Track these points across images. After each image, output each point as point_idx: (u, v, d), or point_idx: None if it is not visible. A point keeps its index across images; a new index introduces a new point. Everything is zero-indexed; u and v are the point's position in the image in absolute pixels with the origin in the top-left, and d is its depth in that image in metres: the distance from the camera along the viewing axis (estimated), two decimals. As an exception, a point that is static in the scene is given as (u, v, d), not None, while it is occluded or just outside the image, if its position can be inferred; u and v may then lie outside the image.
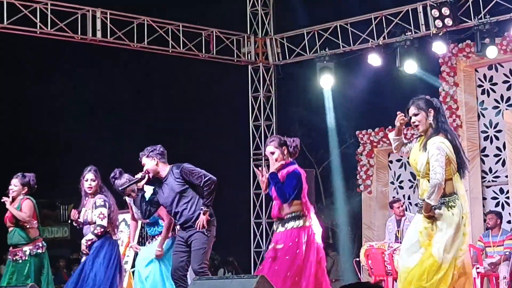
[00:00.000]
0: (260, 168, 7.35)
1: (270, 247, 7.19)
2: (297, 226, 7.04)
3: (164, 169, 7.78)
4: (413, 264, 6.22)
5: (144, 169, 7.76)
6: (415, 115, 6.33)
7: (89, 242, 8.10)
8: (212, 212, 7.68)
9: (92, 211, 8.13)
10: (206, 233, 7.58)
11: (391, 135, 6.61)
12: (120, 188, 8.12)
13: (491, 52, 12.15)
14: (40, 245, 8.57)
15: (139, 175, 7.74)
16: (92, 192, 8.21)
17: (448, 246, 6.19)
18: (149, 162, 7.76)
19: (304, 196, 7.15)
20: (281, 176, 7.16)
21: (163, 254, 8.52)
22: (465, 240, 6.28)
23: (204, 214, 7.53)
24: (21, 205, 8.55)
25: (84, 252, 8.16)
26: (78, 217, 8.24)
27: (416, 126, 6.36)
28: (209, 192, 7.58)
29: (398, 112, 6.45)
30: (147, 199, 7.82)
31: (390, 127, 13.06)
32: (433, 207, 6.20)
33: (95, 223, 8.09)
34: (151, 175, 7.75)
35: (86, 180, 8.22)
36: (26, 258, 8.45)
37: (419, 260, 6.20)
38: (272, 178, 7.11)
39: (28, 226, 8.56)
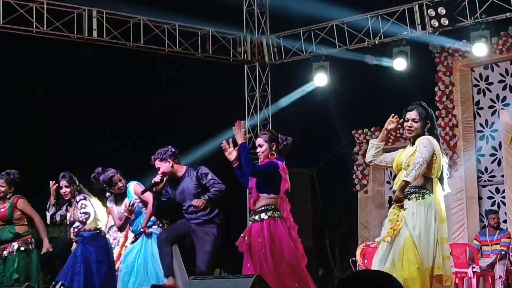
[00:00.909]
0: (226, 141, 7.24)
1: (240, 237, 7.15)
2: (264, 218, 6.98)
3: (180, 169, 7.86)
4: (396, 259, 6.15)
5: (160, 172, 7.78)
6: (414, 121, 6.27)
7: (75, 229, 8.24)
8: (221, 218, 7.81)
9: (77, 210, 8.21)
10: (213, 236, 7.68)
11: (374, 141, 6.49)
12: (140, 193, 8.12)
13: (479, 50, 12.16)
14: (29, 241, 8.58)
15: (156, 179, 7.75)
16: (69, 198, 8.31)
17: (422, 236, 6.08)
18: (164, 165, 7.81)
19: (282, 192, 7.10)
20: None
21: (151, 234, 8.35)
22: (444, 247, 6.18)
23: (205, 200, 7.59)
24: (13, 204, 8.53)
25: (74, 239, 8.34)
26: (55, 197, 8.33)
27: (410, 132, 6.30)
28: (214, 194, 7.68)
29: (392, 114, 6.39)
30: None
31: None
32: (405, 193, 6.14)
33: (80, 215, 8.20)
34: (167, 177, 7.78)
35: (61, 188, 8.31)
36: (15, 253, 8.45)
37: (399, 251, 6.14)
38: (242, 149, 7.04)
39: (19, 223, 8.57)
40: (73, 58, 15.99)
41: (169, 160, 7.81)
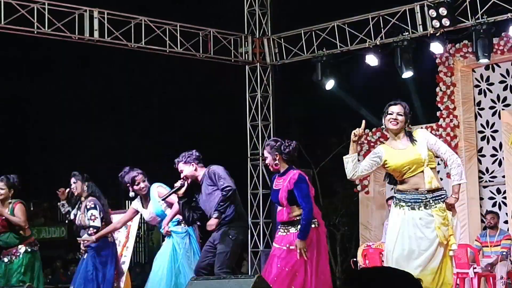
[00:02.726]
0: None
1: (277, 246, 7.17)
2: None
3: (201, 173, 7.77)
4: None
5: (182, 176, 7.71)
6: (399, 114, 6.42)
7: (86, 243, 8.25)
8: (242, 217, 7.78)
9: (85, 215, 8.24)
10: (231, 236, 7.55)
11: (347, 156, 6.48)
12: (160, 198, 8.09)
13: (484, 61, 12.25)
14: (33, 244, 8.61)
15: (178, 183, 7.69)
16: (77, 194, 8.33)
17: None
18: (188, 168, 7.73)
19: (312, 198, 7.19)
20: (283, 190, 7.15)
21: (170, 233, 8.31)
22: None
23: (215, 218, 7.50)
24: (13, 209, 8.54)
25: (82, 251, 8.35)
26: (66, 198, 8.38)
27: (395, 123, 6.41)
28: (224, 198, 7.56)
29: (353, 132, 6.42)
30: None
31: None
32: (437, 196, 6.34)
33: (88, 226, 8.23)
34: (189, 181, 7.70)
35: (71, 185, 8.41)
36: (21, 255, 8.47)
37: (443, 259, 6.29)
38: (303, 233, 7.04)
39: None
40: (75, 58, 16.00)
41: (193, 163, 7.73)
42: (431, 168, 6.32)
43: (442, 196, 6.33)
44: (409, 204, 6.32)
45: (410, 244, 6.27)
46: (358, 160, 6.56)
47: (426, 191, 6.28)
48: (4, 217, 8.47)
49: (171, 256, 8.20)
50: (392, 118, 6.41)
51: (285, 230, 7.19)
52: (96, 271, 8.20)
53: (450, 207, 6.29)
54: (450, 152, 6.42)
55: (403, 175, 6.36)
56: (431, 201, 6.28)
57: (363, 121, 6.47)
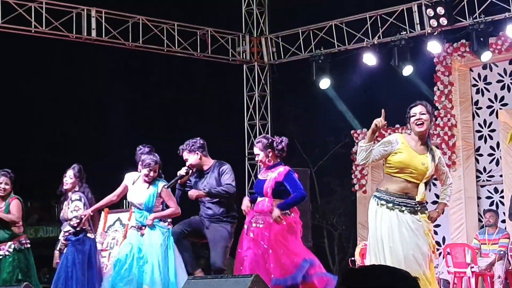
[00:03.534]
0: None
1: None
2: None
3: (207, 162, 7.94)
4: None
5: (187, 164, 7.87)
6: (422, 113, 6.33)
7: (66, 234, 8.17)
8: (233, 213, 7.95)
9: (68, 207, 8.18)
10: (228, 230, 7.80)
11: (363, 144, 6.37)
12: (166, 186, 8.05)
13: (486, 56, 12.22)
14: (24, 241, 8.56)
15: (182, 171, 7.84)
16: (67, 188, 8.25)
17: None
18: (192, 157, 7.89)
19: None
20: (270, 181, 7.37)
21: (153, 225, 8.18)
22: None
23: (203, 193, 7.70)
24: (9, 204, 8.51)
25: (64, 244, 8.21)
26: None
27: (421, 124, 6.31)
28: (218, 192, 7.76)
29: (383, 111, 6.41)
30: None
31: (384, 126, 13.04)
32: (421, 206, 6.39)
33: (71, 218, 8.14)
34: (194, 169, 7.88)
35: (65, 177, 8.28)
36: (11, 253, 8.43)
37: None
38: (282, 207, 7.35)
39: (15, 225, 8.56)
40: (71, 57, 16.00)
41: (197, 152, 7.89)
42: (425, 183, 6.31)
43: (425, 205, 6.39)
44: (397, 207, 6.32)
45: (406, 250, 6.27)
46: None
47: (416, 201, 6.29)
48: None
49: (162, 247, 8.10)
50: (417, 119, 6.30)
51: (263, 221, 7.30)
52: (74, 268, 8.06)
53: (431, 220, 6.34)
54: (450, 177, 6.58)
55: (401, 173, 6.32)
56: (419, 207, 6.30)
57: (383, 110, 6.38)
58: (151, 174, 8.00)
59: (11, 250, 8.43)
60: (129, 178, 8.20)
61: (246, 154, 14.72)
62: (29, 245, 8.57)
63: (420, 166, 6.27)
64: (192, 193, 7.71)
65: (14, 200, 8.52)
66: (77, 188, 8.27)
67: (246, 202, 7.58)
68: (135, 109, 17.84)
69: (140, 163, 8.20)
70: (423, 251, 6.23)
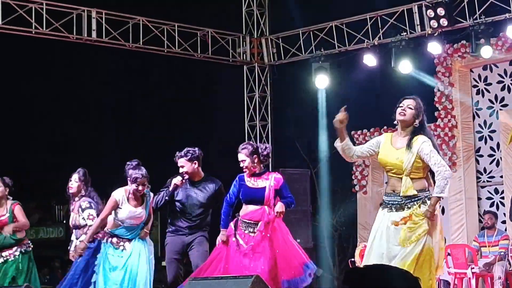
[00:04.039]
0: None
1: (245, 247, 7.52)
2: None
3: (199, 174, 8.09)
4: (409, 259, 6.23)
5: (183, 171, 7.97)
6: (409, 107, 6.40)
7: (80, 250, 8.01)
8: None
9: (79, 215, 8.16)
10: (207, 237, 8.05)
11: (337, 143, 6.50)
12: (166, 198, 8.07)
13: (486, 52, 12.16)
14: (27, 245, 8.58)
15: (178, 181, 7.93)
16: (72, 192, 8.24)
17: (433, 235, 6.29)
18: (189, 166, 8.00)
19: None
20: (270, 189, 7.51)
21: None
22: (442, 243, 6.46)
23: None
24: (12, 210, 8.52)
25: (81, 254, 8.06)
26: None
27: (403, 114, 6.39)
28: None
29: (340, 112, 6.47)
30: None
31: (385, 127, 13.07)
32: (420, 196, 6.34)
33: (84, 226, 8.11)
34: (187, 178, 7.99)
35: (70, 180, 8.27)
36: (17, 256, 8.44)
37: (413, 255, 6.23)
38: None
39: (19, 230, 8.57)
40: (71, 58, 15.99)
41: (195, 161, 8.00)
42: (413, 178, 6.27)
43: (420, 198, 6.29)
44: (388, 205, 6.36)
45: (386, 248, 6.30)
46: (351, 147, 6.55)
47: (401, 196, 6.29)
48: (3, 218, 8.45)
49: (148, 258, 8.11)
50: (401, 109, 6.41)
51: (255, 231, 7.40)
52: (83, 276, 7.95)
53: (427, 217, 6.25)
54: (440, 164, 6.24)
55: (387, 171, 6.43)
56: (407, 204, 6.29)
57: (343, 107, 6.47)
58: (140, 188, 7.92)
59: (17, 254, 8.46)
60: (118, 196, 8.04)
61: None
62: (31, 248, 8.61)
63: (395, 161, 6.32)
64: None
65: (17, 206, 8.55)
66: (83, 192, 8.26)
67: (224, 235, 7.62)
68: (135, 110, 17.82)
69: (128, 179, 8.17)
70: (394, 253, 6.23)
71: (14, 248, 8.48)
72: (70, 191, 8.30)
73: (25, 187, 10.54)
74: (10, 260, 8.46)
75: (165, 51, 13.79)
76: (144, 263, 7.90)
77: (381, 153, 6.46)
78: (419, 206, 6.24)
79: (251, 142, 7.85)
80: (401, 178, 6.29)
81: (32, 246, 8.66)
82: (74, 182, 8.26)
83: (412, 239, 6.20)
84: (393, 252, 6.24)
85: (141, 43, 13.41)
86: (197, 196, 8.03)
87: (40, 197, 20.13)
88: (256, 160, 7.54)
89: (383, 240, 6.31)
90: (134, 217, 7.93)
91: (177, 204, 8.08)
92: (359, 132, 14.46)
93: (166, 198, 8.05)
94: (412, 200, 6.27)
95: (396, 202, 6.31)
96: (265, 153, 7.56)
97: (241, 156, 7.58)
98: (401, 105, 6.44)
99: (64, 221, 22.79)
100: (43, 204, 22.13)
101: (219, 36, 14.43)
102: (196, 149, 8.08)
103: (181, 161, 7.98)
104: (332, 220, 17.90)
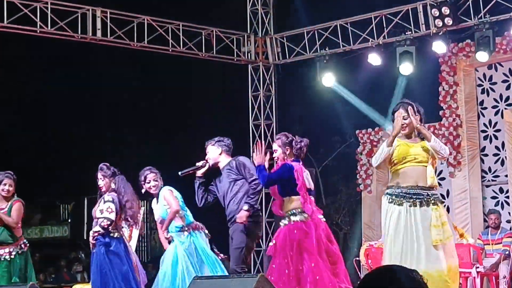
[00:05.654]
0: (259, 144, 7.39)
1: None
2: (294, 221, 7.08)
3: (224, 161, 7.98)
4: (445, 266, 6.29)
5: (206, 157, 7.95)
6: (404, 118, 6.54)
7: (95, 234, 8.10)
8: (257, 213, 7.88)
9: (98, 206, 8.16)
10: (244, 231, 7.66)
11: (385, 146, 6.55)
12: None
13: (482, 56, 12.16)
14: (23, 245, 8.58)
15: (200, 163, 7.89)
16: (104, 190, 8.22)
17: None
18: (213, 151, 7.98)
19: (301, 189, 7.12)
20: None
21: (172, 239, 8.24)
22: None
23: (245, 210, 7.63)
24: (12, 206, 8.52)
25: (92, 243, 8.13)
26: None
27: (405, 127, 6.56)
28: (253, 192, 7.74)
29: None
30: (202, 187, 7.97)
31: (389, 126, 13.05)
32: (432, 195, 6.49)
33: (101, 217, 8.09)
34: (211, 163, 7.93)
35: (97, 180, 8.26)
36: (13, 256, 8.44)
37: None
38: (258, 170, 7.25)
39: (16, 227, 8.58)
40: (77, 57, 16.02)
41: (220, 147, 7.97)
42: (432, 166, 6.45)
43: (436, 195, 6.45)
44: (411, 199, 6.34)
45: (406, 244, 6.29)
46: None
47: (427, 188, 6.34)
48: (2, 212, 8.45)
49: (174, 263, 8.12)
50: (403, 122, 6.57)
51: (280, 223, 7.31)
52: (109, 265, 8.00)
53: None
54: (443, 146, 6.62)
55: (407, 162, 6.42)
56: (431, 198, 6.33)
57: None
58: (152, 183, 8.07)
59: (14, 253, 8.45)
60: (153, 203, 8.44)
61: (251, 155, 14.70)
62: (27, 246, 8.59)
63: (419, 148, 6.43)
64: (241, 218, 7.62)
65: (17, 203, 8.55)
66: (113, 185, 8.22)
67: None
68: (139, 109, 17.84)
69: (142, 182, 8.22)
70: (425, 246, 6.23)
71: (11, 248, 8.46)
72: (102, 190, 8.27)
73: (27, 186, 10.55)
74: (6, 260, 8.44)
75: (170, 50, 13.79)
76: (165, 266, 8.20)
77: (399, 147, 6.50)
78: (438, 207, 6.35)
79: (288, 133, 7.63)
80: (426, 167, 6.36)
81: (28, 245, 8.63)
82: (100, 181, 8.23)
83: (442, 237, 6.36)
84: (426, 243, 6.28)
85: (145, 42, 13.42)
86: (223, 181, 8.01)
87: (45, 196, 20.17)
88: (288, 152, 7.29)
89: (412, 240, 6.28)
90: (158, 221, 8.44)
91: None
92: (363, 131, 14.46)
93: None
94: (433, 195, 6.37)
95: (422, 197, 6.31)
96: (298, 146, 7.28)
97: (274, 145, 7.40)
98: (398, 115, 6.58)
99: (69, 220, 22.88)
100: (47, 203, 22.15)
101: (224, 35, 14.43)
102: (226, 138, 8.11)
103: (208, 148, 8.06)
104: (337, 220, 17.92)
